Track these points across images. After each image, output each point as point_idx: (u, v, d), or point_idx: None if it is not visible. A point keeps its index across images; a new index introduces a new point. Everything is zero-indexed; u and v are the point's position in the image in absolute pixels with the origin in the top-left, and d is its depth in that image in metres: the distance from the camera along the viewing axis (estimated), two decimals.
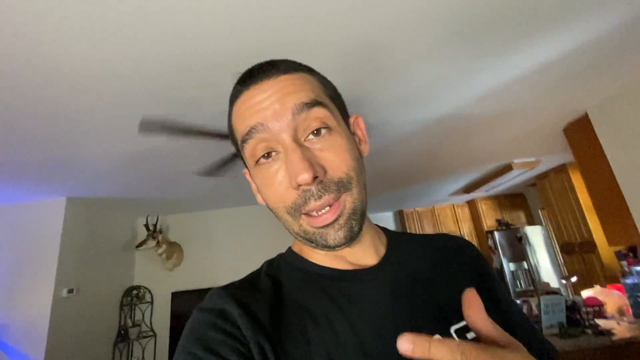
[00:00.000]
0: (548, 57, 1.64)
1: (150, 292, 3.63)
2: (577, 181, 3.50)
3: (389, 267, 0.43)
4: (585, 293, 2.37)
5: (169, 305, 3.59)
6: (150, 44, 1.22)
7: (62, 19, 1.06)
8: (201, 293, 3.33)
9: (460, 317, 0.40)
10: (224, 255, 3.80)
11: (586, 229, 3.42)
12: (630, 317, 2.08)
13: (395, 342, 0.34)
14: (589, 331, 1.93)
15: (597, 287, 2.43)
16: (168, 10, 1.08)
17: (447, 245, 0.50)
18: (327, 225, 0.38)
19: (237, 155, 0.45)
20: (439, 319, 0.39)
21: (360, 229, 0.40)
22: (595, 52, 1.66)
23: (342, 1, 1.14)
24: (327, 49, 1.38)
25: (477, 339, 0.37)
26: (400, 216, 5.69)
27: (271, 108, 0.37)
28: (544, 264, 4.53)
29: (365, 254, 0.44)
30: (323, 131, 0.38)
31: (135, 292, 3.55)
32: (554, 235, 4.30)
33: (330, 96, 0.43)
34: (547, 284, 3.27)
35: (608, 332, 1.87)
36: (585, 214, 3.41)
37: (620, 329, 1.92)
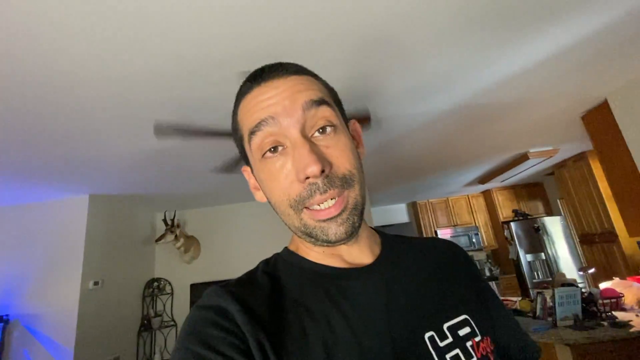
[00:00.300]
0: (565, 42, 1.59)
1: (170, 284, 3.79)
2: (597, 169, 3.38)
3: (384, 265, 0.45)
4: (603, 285, 2.33)
5: (189, 296, 3.74)
6: (156, 45, 1.26)
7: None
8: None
9: (454, 315, 0.42)
10: (240, 247, 3.91)
11: (607, 218, 3.32)
12: None
13: (389, 337, 0.37)
14: (605, 323, 1.90)
15: (616, 279, 2.37)
16: (168, 10, 1.11)
17: (439, 248, 0.52)
18: (330, 219, 0.38)
19: (240, 151, 0.46)
20: (433, 316, 0.41)
21: (359, 225, 0.41)
22: (614, 37, 1.60)
23: None
24: (335, 41, 1.36)
25: (469, 335, 0.40)
26: (413, 208, 5.65)
27: (281, 104, 0.39)
28: (563, 254, 4.44)
29: (361, 253, 0.45)
30: (329, 129, 0.40)
31: (156, 284, 3.70)
32: (573, 226, 4.19)
33: (334, 100, 0.45)
34: (563, 275, 3.21)
35: (625, 324, 1.83)
36: (606, 203, 3.30)
37: (639, 320, 1.89)
